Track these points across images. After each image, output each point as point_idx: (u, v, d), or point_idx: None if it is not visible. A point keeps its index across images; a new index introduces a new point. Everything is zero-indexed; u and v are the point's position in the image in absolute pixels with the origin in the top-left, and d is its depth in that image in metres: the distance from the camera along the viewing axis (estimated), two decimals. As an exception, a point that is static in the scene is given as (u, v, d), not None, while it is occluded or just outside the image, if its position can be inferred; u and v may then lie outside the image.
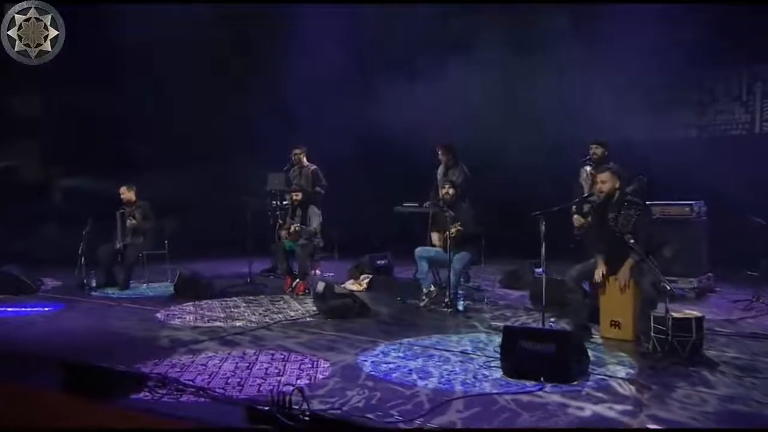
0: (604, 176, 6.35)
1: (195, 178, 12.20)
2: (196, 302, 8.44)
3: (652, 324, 5.74)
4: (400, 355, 5.86)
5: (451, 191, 8.08)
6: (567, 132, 11.83)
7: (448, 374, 5.25)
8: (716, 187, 9.30)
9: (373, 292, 8.99)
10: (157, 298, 8.91)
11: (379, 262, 10.38)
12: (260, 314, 7.71)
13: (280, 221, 10.27)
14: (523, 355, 5.09)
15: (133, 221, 9.63)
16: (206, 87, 12.83)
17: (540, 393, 4.74)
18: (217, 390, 4.89)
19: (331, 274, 10.38)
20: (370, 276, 9.50)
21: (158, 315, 7.76)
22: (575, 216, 8.01)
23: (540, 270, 9.49)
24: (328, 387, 4.96)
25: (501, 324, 7.04)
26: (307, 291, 8.94)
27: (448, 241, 7.64)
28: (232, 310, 7.99)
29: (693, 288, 8.29)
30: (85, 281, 9.51)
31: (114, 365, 5.25)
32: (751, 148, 11.59)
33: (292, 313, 7.74)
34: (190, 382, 5.05)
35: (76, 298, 8.93)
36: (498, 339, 6.26)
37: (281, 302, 8.48)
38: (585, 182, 8.11)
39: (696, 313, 5.71)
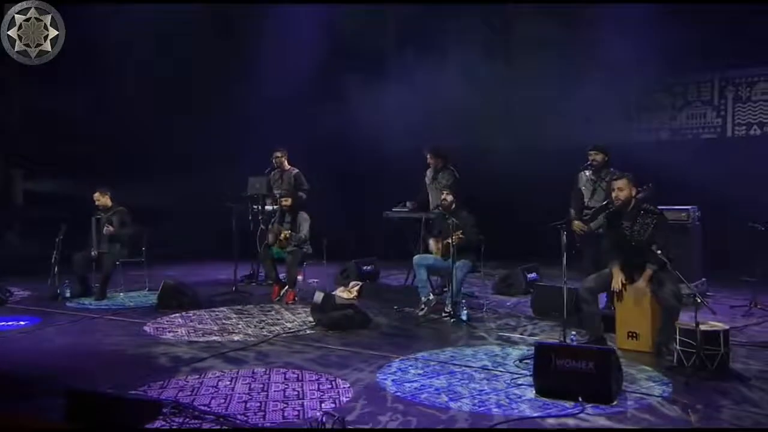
0: (621, 183, 6.11)
1: (168, 185, 11.57)
2: (183, 313, 7.96)
3: (677, 336, 5.51)
4: (420, 372, 5.52)
5: (449, 198, 7.77)
6: (544, 135, 11.73)
7: (478, 394, 4.93)
8: (690, 189, 9.21)
9: (363, 300, 8.61)
10: (139, 309, 8.39)
11: (365, 268, 10.07)
12: (255, 326, 7.28)
13: (262, 227, 9.89)
14: (558, 374, 4.79)
15: (111, 228, 9.06)
16: (183, 90, 12.23)
17: (583, 416, 4.45)
18: (239, 417, 4.47)
19: (316, 280, 9.96)
20: (360, 283, 9.12)
21: (146, 328, 7.26)
22: (575, 222, 7.76)
23: (534, 276, 9.35)
24: (356, 411, 4.59)
25: (509, 334, 6.81)
26: (296, 300, 8.55)
27: (452, 249, 7.29)
28: (224, 322, 7.54)
29: (689, 294, 8.10)
30: (59, 291, 8.93)
31: (122, 390, 4.83)
32: (723, 151, 11.60)
33: (289, 325, 7.33)
34: (207, 408, 4.64)
35: (51, 309, 8.33)
36: (513, 351, 6.06)
37: (273, 312, 8.07)
38: (585, 187, 7.87)
39: (722, 325, 5.51)
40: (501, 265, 9.98)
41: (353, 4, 11.23)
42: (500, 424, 4.30)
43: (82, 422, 4.28)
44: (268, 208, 10.12)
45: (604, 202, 6.52)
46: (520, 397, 4.83)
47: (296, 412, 4.58)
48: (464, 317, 7.27)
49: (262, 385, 5.19)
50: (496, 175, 11.12)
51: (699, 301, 5.31)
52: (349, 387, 5.11)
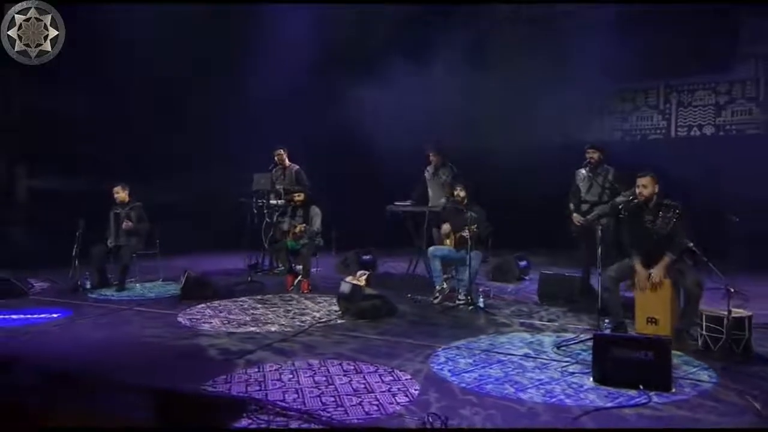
0: (645, 180, 5.75)
1: (170, 183, 10.71)
2: (209, 303, 7.30)
3: (703, 322, 5.20)
4: (469, 361, 5.05)
5: (462, 193, 7.31)
6: (520, 133, 11.48)
7: (540, 384, 4.49)
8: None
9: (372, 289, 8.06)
10: (163, 300, 7.69)
11: (364, 257, 9.54)
12: (285, 316, 6.69)
13: (267, 220, 9.30)
14: (616, 363, 4.39)
15: (130, 223, 8.34)
16: (183, 90, 11.35)
17: (654, 405, 4.06)
18: (324, 414, 3.92)
19: (319, 269, 9.37)
20: (367, 272, 8.54)
21: (180, 319, 6.60)
22: (574, 215, 7.42)
23: (524, 264, 8.98)
24: (434, 405, 4.09)
25: (530, 321, 6.42)
26: (310, 289, 7.98)
27: (470, 240, 6.83)
28: (253, 312, 6.91)
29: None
30: (79, 283, 8.16)
31: (188, 386, 4.23)
32: (667, 150, 11.58)
33: (317, 315, 6.75)
34: (284, 404, 4.07)
35: (77, 301, 7.57)
36: (544, 338, 5.68)
37: (294, 302, 7.48)
38: (582, 184, 7.51)
39: (745, 312, 5.21)
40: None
41: (353, 4, 10.63)
42: (582, 416, 3.87)
43: (170, 421, 3.68)
44: (273, 202, 9.49)
45: (630, 197, 6.13)
46: (581, 386, 4.41)
47: (374, 407, 4.05)
48: (481, 304, 6.84)
49: (325, 378, 4.63)
50: (488, 171, 10.71)
51: (732, 290, 4.98)
52: (411, 379, 4.60)
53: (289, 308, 7.08)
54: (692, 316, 5.46)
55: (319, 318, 6.56)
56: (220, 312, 6.90)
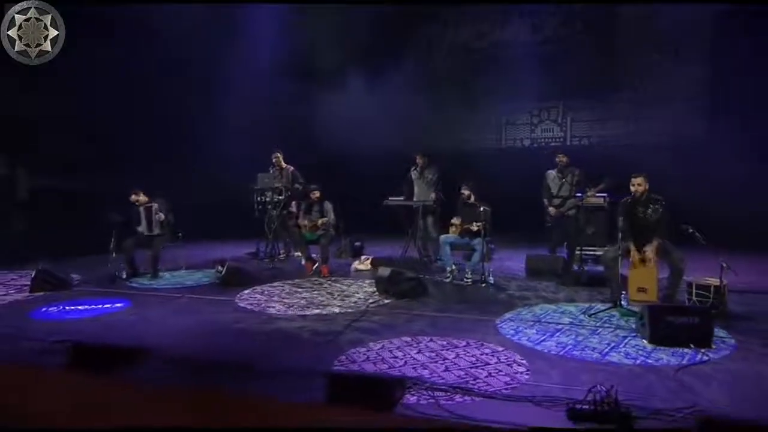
0: (639, 180, 5.82)
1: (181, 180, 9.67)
2: (254, 289, 6.67)
3: (693, 290, 5.38)
4: (533, 331, 4.89)
5: (465, 193, 7.13)
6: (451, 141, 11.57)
7: (613, 348, 4.43)
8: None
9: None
10: (205, 287, 6.93)
11: (356, 244, 9.15)
12: (332, 297, 6.22)
13: (272, 212, 8.68)
14: (670, 327, 4.42)
15: (162, 216, 7.46)
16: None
17: (717, 360, 4.11)
18: (473, 387, 3.62)
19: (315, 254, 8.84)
20: (370, 257, 8.22)
21: (241, 305, 5.95)
22: (550, 207, 7.49)
23: (492, 247, 8.92)
24: (553, 371, 3.91)
25: (543, 294, 6.32)
26: (330, 273, 7.53)
27: (482, 231, 6.68)
28: (303, 296, 6.37)
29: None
30: (116, 273, 7.22)
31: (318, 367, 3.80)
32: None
33: (359, 296, 6.33)
34: (431, 379, 3.74)
35: (123, 291, 6.70)
36: (570, 308, 5.64)
37: (325, 285, 6.98)
38: (552, 183, 7.59)
39: (724, 281, 5.41)
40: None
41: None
42: (680, 371, 3.83)
43: (343, 402, 3.25)
44: (277, 198, 8.84)
45: (627, 197, 6.18)
46: (645, 348, 4.39)
47: (506, 377, 3.81)
48: (492, 281, 6.72)
49: (434, 353, 4.32)
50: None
51: (725, 266, 5.17)
52: (505, 350, 4.38)
53: (330, 291, 6.60)
54: (678, 286, 5.62)
55: (365, 299, 6.16)
56: (273, 297, 6.31)
